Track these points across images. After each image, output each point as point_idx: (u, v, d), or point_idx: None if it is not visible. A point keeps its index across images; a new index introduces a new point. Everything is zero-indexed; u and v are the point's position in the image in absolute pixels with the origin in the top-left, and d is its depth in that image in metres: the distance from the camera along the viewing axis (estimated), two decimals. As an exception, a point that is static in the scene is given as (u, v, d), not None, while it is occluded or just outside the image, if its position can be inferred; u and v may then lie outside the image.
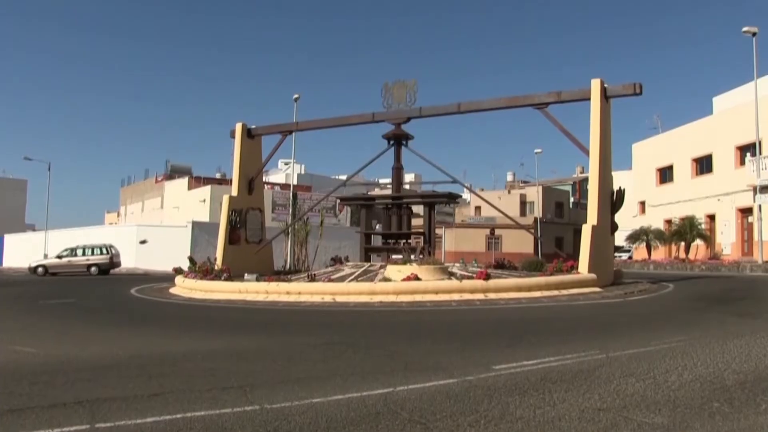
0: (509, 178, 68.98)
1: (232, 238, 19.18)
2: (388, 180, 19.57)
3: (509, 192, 53.72)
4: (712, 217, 31.59)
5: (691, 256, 29.29)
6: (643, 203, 39.38)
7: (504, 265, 17.93)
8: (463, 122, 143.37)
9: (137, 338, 7.65)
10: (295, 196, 23.99)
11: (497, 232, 42.54)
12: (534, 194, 47.33)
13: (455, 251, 43.08)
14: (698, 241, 29.64)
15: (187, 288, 15.20)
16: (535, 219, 43.82)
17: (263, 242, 20.10)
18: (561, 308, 10.70)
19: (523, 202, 51.07)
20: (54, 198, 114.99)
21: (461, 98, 16.60)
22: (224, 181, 44.78)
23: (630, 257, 35.03)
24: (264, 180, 38.21)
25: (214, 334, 8.15)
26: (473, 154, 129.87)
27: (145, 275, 24.90)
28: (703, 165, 33.19)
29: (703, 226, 30.01)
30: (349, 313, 10.69)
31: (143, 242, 29.94)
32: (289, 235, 22.25)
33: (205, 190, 39.69)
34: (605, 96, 15.12)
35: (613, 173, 16.49)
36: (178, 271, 17.68)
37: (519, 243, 42.81)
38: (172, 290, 15.75)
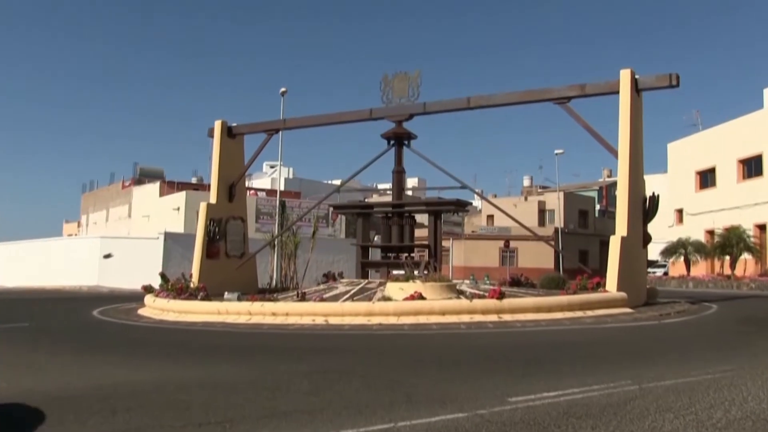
0: (526, 183, 69.27)
1: (209, 252, 19.16)
2: (388, 185, 19.51)
3: (526, 199, 53.81)
4: (762, 228, 31.41)
5: (738, 272, 29.21)
6: (680, 211, 39.45)
7: (520, 282, 17.92)
8: (473, 120, 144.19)
9: (100, 367, 7.61)
10: (282, 203, 23.99)
11: (512, 244, 42.56)
12: (554, 201, 47.39)
13: (464, 266, 43.04)
14: (746, 255, 29.53)
15: (159, 309, 15.19)
16: (556, 229, 43.86)
17: (246, 256, 20.08)
18: (586, 332, 10.67)
19: (542, 211, 51.15)
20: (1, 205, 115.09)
21: (469, 95, 16.75)
22: (201, 187, 44.83)
23: (665, 273, 35.04)
24: (247, 185, 38.53)
25: (189, 361, 8.12)
26: (485, 156, 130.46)
27: (109, 294, 24.85)
28: (752, 167, 32.97)
29: (751, 238, 29.88)
30: (344, 336, 10.66)
31: (108, 256, 29.91)
32: (276, 248, 22.23)
33: (180, 197, 39.71)
34: (636, 89, 15.17)
35: (646, 177, 16.53)
36: (148, 289, 17.65)
37: (537, 257, 42.80)
38: (141, 311, 15.71)
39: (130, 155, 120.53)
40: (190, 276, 18.09)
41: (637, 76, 15.13)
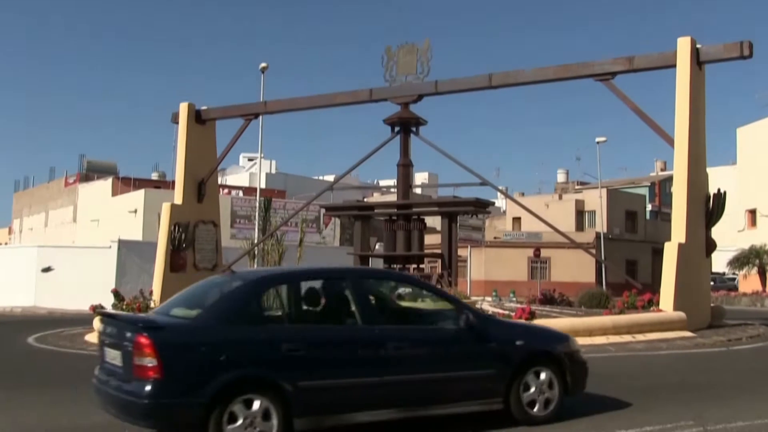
0: (560, 178, 69.30)
1: (174, 264, 19.16)
2: (392, 182, 19.55)
3: (560, 197, 53.76)
4: None
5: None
6: (752, 212, 39.36)
7: (554, 300, 17.87)
8: (496, 102, 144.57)
9: (35, 407, 7.55)
10: (267, 203, 23.97)
11: (544, 253, 42.40)
12: (595, 200, 47.30)
13: (485, 280, 42.93)
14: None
15: (110, 334, 15.10)
16: (598, 235, 43.74)
17: (219, 269, 20.06)
18: (636, 360, 10.61)
19: (581, 212, 51.10)
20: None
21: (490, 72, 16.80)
22: (163, 184, 44.88)
23: (735, 288, 34.91)
24: (220, 182, 38.54)
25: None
26: (510, 145, 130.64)
27: (49, 317, 24.86)
28: None
29: None
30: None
31: (47, 270, 29.91)
32: (256, 259, 22.20)
33: (137, 197, 39.77)
34: (698, 61, 15.09)
35: (709, 170, 16.46)
36: (98, 310, 17.62)
37: (574, 268, 42.73)
38: (89, 337, 15.66)
39: (74, 146, 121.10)
40: (150, 293, 18.07)
41: (698, 46, 15.04)
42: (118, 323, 5.66)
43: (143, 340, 5.12)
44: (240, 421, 5.15)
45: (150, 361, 5.06)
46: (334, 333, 5.84)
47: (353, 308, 5.90)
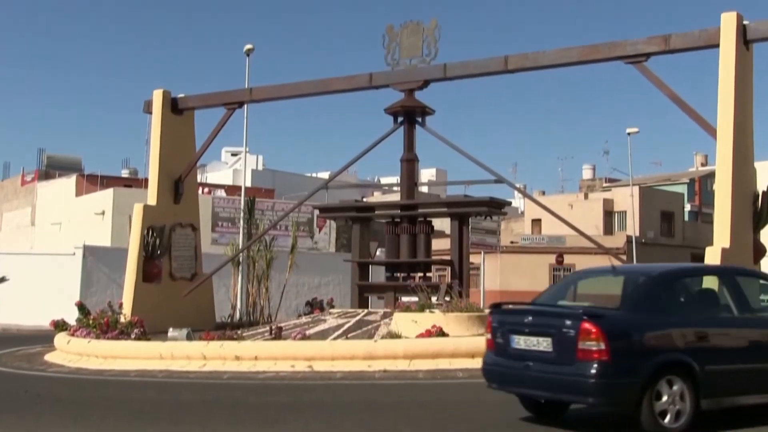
0: (586, 175, 69.23)
1: (148, 273, 19.10)
2: (395, 179, 19.50)
3: (586, 197, 53.77)
4: None
5: None
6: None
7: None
8: (512, 88, 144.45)
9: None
10: (250, 203, 23.90)
11: (567, 259, 42.38)
12: (626, 200, 47.29)
13: (501, 290, 42.87)
14: None
15: (76, 353, 15.13)
16: (629, 239, 43.71)
17: (198, 278, 20.02)
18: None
19: (610, 212, 51.12)
20: None
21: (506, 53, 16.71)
22: (135, 182, 44.88)
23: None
24: (199, 180, 38.40)
25: (116, 428, 8.01)
26: (529, 138, 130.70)
27: (3, 334, 24.81)
28: None
29: None
30: (335, 389, 10.61)
31: (2, 280, 29.81)
32: (241, 268, 22.16)
33: (105, 197, 39.74)
34: (745, 40, 14.98)
35: (757, 164, 16.38)
36: (60, 326, 17.58)
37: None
38: (50, 357, 15.66)
39: (33, 139, 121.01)
40: (120, 306, 18.00)
41: (746, 22, 14.92)
42: (547, 312, 7.41)
43: (590, 326, 6.61)
44: (665, 398, 6.71)
45: (596, 345, 6.54)
46: (727, 322, 7.41)
47: (732, 300, 7.48)
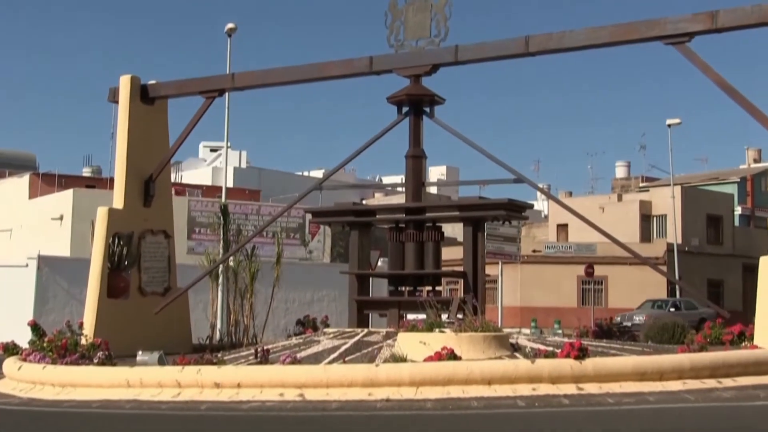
0: (620, 173, 69.34)
1: (113, 287, 19.10)
2: (399, 178, 19.57)
3: (620, 198, 53.79)
4: None
5: None
6: None
7: (612, 333, 17.83)
8: (534, 74, 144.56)
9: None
10: (223, 209, 23.93)
11: (599, 270, 42.31)
12: (666, 201, 47.30)
13: (521, 306, 42.95)
14: None
15: (28, 381, 15.07)
16: (669, 247, 43.74)
17: (172, 293, 20.03)
18: (723, 413, 10.55)
19: (647, 216, 51.13)
20: None
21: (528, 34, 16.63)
22: (99, 183, 44.98)
23: None
24: (174, 180, 38.31)
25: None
26: (553, 131, 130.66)
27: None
28: None
29: None
30: (330, 420, 10.58)
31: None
32: (221, 281, 22.19)
33: (63, 199, 39.76)
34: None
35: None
36: (10, 349, 17.57)
37: (639, 291, 42.67)
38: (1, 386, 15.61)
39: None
40: (81, 326, 18.02)
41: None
42: None
43: None
44: None
45: None
46: None
47: None
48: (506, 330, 15.23)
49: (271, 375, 12.96)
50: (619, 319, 37.52)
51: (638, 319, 35.51)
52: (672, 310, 37.41)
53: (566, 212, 25.63)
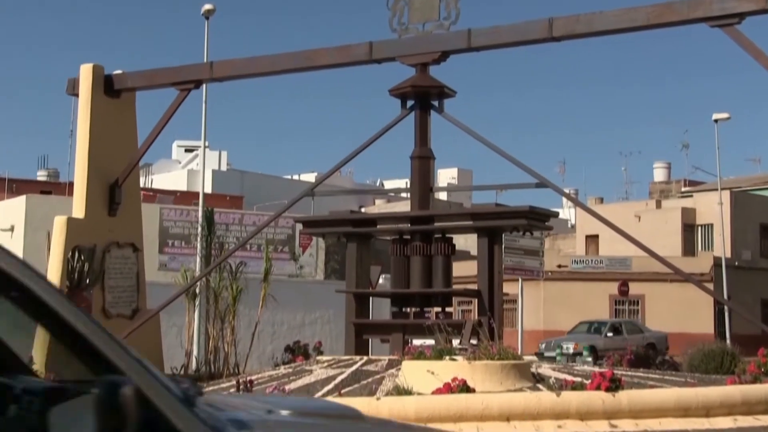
0: (659, 176, 69.25)
1: (72, 309, 19.11)
2: (403, 182, 19.56)
3: (659, 204, 53.75)
4: None
5: None
6: None
7: (649, 360, 17.74)
8: (559, 62, 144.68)
9: None
10: (208, 214, 23.95)
11: (634, 288, 42.19)
12: (713, 209, 47.26)
13: (545, 330, 42.83)
14: None
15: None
16: (717, 261, 43.60)
17: (141, 316, 20.04)
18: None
19: (690, 226, 51.10)
20: None
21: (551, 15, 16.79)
22: (56, 188, 44.99)
23: None
24: (143, 184, 38.23)
25: None
26: (581, 128, 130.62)
27: None
28: None
29: None
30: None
31: None
32: (198, 301, 22.19)
33: (14, 207, 39.82)
34: None
35: None
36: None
37: (681, 312, 42.66)
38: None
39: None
40: (31, 360, 18.00)
41: None
42: None
43: None
44: None
45: None
46: None
47: None
48: (527, 358, 15.21)
49: (256, 410, 13.00)
50: (543, 346, 37.09)
51: (567, 346, 35.16)
52: (610, 334, 36.96)
53: (596, 221, 25.59)
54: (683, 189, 61.16)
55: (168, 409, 2.98)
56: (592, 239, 51.46)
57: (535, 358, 19.19)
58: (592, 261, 47.27)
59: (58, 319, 2.97)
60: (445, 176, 70.98)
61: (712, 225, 48.55)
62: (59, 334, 3.16)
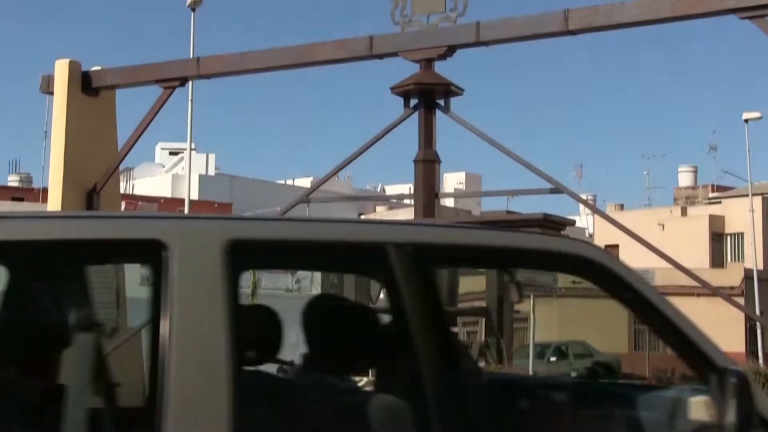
0: (684, 181, 69.29)
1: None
2: (406, 188, 19.65)
3: (685, 212, 53.80)
4: None
5: None
6: None
7: (673, 384, 17.71)
8: (574, 57, 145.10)
9: None
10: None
11: (659, 304, 42.12)
12: (743, 216, 47.28)
13: (561, 350, 42.80)
14: None
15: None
16: (748, 273, 43.63)
17: (121, 335, 20.01)
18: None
19: (719, 235, 51.14)
20: None
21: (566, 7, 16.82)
22: (28, 194, 45.08)
23: None
24: (124, 190, 38.27)
25: None
26: (600, 128, 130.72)
27: None
28: None
29: None
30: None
31: None
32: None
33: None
34: None
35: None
36: None
37: (709, 328, 41.86)
38: None
39: None
40: None
41: None
42: None
43: None
44: None
45: None
46: None
47: None
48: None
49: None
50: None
51: None
52: (553, 359, 36.74)
53: (616, 230, 25.49)
54: (711, 195, 61.21)
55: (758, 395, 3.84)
56: (612, 250, 51.44)
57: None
58: (611, 274, 47.22)
59: (664, 320, 4.01)
60: (452, 181, 71.06)
61: (742, 234, 48.62)
62: (664, 333, 4.20)
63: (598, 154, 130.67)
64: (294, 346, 5.25)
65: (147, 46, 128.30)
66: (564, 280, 42.23)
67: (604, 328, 43.80)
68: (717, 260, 49.53)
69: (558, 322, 43.87)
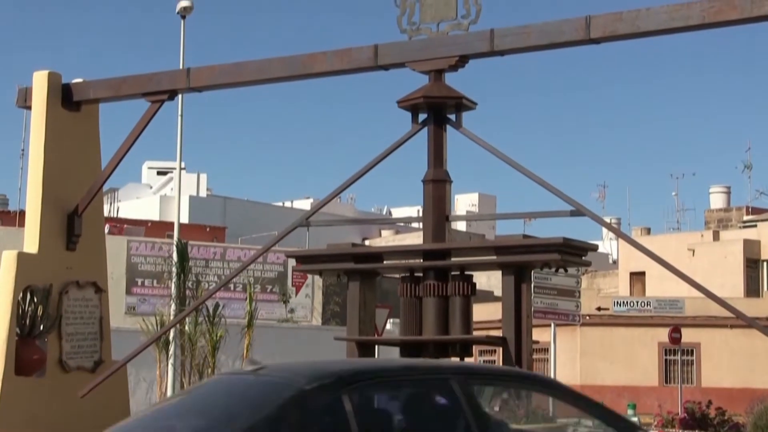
0: (716, 202, 69.22)
1: (24, 360, 19.08)
2: (414, 210, 19.66)
3: (716, 237, 53.65)
4: None
5: None
6: None
7: (707, 421, 17.66)
8: (596, 68, 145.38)
9: None
10: (181, 248, 23.95)
11: (687, 335, 42.04)
12: (781, 241, 47.15)
13: (582, 384, 42.63)
14: None
15: None
16: (786, 303, 43.45)
17: (104, 369, 19.99)
18: None
19: (754, 261, 51.02)
20: None
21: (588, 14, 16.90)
22: (4, 217, 45.11)
23: None
24: (108, 213, 38.22)
25: None
26: (624, 145, 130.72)
27: None
28: None
29: None
30: None
31: None
32: (172, 351, 22.15)
33: (-41, 240, 39.92)
34: None
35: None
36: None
37: (744, 362, 42.55)
38: None
39: None
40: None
41: None
42: None
43: None
44: None
45: None
46: None
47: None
48: (561, 420, 15.09)
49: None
50: None
51: None
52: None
53: (643, 256, 25.49)
54: (745, 218, 61.01)
55: None
56: (638, 277, 51.44)
57: (569, 419, 19.17)
58: (637, 303, 47.07)
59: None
60: (464, 203, 71.08)
61: (780, 260, 48.56)
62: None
63: (622, 174, 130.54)
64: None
65: (133, 56, 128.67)
66: (588, 307, 42.18)
67: (631, 359, 43.74)
68: (752, 288, 49.36)
69: (582, 354, 43.78)
